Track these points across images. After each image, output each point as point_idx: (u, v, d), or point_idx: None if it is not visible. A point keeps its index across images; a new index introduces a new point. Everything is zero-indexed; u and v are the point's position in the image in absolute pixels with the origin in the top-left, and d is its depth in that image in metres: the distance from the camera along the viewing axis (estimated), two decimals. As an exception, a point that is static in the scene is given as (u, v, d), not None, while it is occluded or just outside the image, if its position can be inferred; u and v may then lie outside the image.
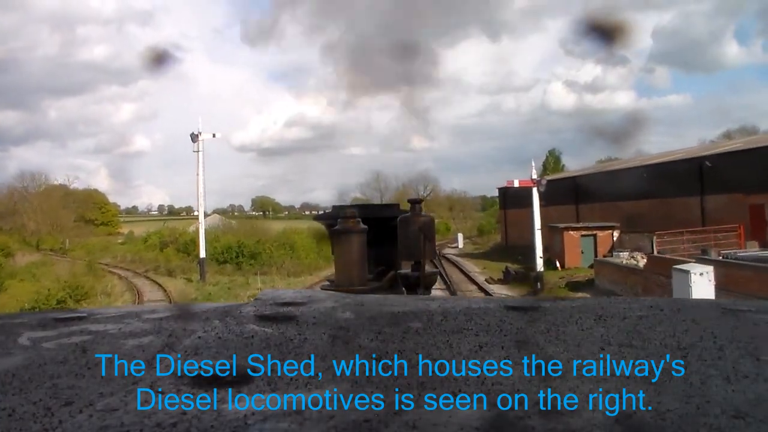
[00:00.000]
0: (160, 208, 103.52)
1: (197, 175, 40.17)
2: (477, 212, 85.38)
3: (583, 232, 38.39)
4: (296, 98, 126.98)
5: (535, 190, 33.44)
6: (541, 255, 33.08)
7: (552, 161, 74.65)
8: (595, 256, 35.72)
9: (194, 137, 39.97)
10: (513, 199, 56.27)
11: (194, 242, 44.80)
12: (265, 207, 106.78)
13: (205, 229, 43.47)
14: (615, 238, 37.62)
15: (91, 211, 71.35)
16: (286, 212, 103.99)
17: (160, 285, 36.36)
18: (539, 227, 33.42)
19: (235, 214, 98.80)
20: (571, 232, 38.21)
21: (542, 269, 32.86)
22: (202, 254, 38.98)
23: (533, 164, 34.95)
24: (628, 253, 29.89)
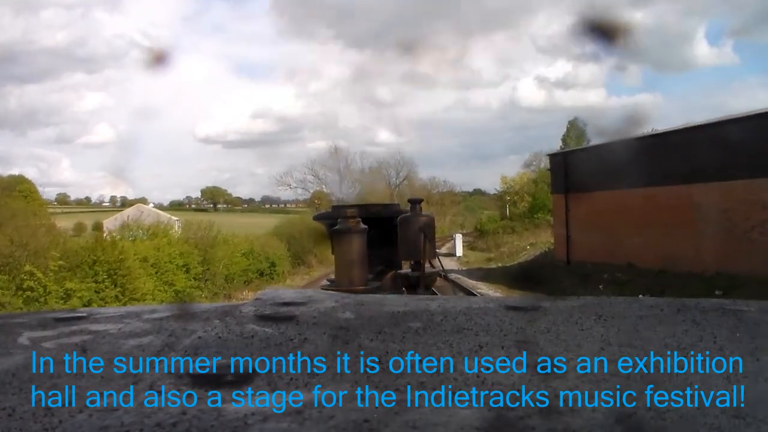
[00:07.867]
0: (113, 199, 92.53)
1: None
2: (456, 206, 71.24)
3: None
4: (263, 90, 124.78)
5: None
6: None
7: (575, 135, 53.03)
8: None
9: None
10: (584, 172, 23.57)
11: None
12: (215, 198, 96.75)
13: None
14: None
15: (16, 200, 67.52)
16: (245, 205, 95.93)
17: None
18: None
19: (192, 206, 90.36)
20: None
21: None
22: None
23: None
24: None
